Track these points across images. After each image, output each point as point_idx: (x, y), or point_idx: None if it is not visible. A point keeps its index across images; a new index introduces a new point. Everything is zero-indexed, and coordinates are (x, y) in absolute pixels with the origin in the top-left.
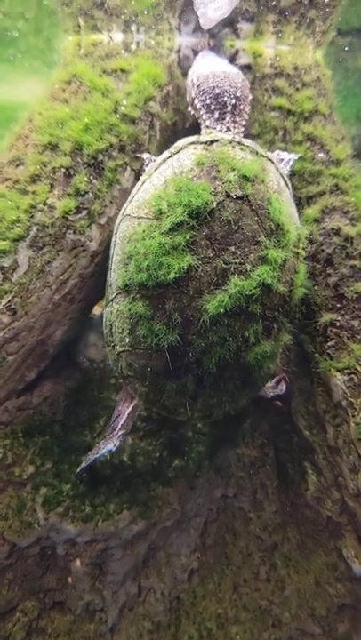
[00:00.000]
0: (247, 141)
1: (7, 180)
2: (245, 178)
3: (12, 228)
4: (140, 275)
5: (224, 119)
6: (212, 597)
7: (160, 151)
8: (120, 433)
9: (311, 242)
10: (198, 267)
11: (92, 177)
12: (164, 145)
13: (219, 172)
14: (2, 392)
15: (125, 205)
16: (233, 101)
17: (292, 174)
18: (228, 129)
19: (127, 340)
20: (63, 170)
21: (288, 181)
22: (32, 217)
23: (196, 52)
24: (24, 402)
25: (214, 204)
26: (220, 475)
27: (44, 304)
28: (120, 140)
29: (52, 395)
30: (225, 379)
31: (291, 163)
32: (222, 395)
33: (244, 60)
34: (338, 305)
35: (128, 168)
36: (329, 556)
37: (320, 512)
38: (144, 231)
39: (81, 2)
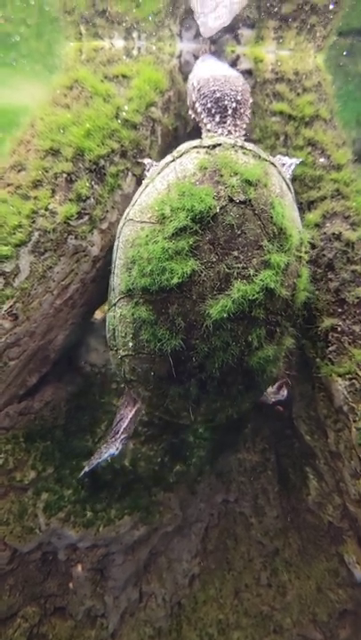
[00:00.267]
0: (250, 145)
1: (9, 185)
2: (248, 182)
3: (14, 234)
4: (143, 279)
5: (225, 123)
6: (214, 603)
7: (161, 156)
8: (123, 437)
9: (312, 247)
10: (201, 271)
11: (93, 182)
12: (166, 150)
13: (222, 176)
14: (3, 397)
15: (128, 209)
16: (234, 105)
17: (294, 179)
18: (230, 132)
19: (130, 344)
20: (65, 175)
21: (290, 185)
22: (34, 222)
23: (197, 58)
24: (25, 407)
25: (217, 208)
26: (221, 480)
27: (45, 309)
28: (121, 146)
29: (53, 399)
30: (228, 383)
31: (292, 167)
32: (225, 399)
33: (245, 65)
34: (339, 310)
35: (129, 173)
36: (330, 561)
37: (321, 517)
38: (147, 236)
39: (82, 10)
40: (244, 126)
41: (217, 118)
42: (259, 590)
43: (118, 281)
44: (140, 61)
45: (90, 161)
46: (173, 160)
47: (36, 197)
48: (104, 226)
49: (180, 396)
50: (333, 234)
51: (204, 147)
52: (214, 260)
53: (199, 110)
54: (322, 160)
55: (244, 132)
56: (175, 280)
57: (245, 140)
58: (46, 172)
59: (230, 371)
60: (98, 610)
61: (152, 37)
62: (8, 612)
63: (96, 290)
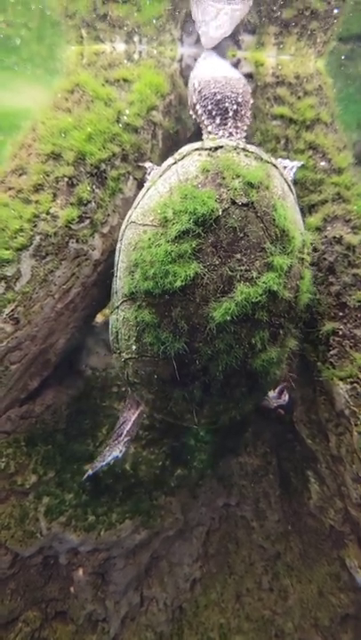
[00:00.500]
0: (252, 147)
1: (10, 189)
2: (250, 185)
3: (16, 238)
4: (146, 282)
5: (226, 125)
6: (215, 607)
7: (162, 160)
8: (126, 439)
9: (314, 250)
10: (204, 274)
11: (94, 186)
12: (167, 154)
13: (224, 178)
14: (5, 401)
15: (130, 212)
16: (235, 107)
17: (295, 183)
18: (231, 134)
19: (133, 347)
20: (66, 179)
21: (292, 186)
22: (35, 226)
23: None
24: (27, 410)
25: (220, 211)
26: (222, 483)
27: (46, 313)
28: (123, 150)
29: (54, 403)
30: (232, 385)
31: (293, 170)
32: (229, 401)
33: (246, 68)
34: (340, 313)
35: (131, 177)
36: (332, 565)
37: (323, 521)
38: (150, 239)
39: (84, 14)
40: (245, 128)
41: (218, 120)
42: (260, 594)
43: (121, 284)
44: (142, 65)
45: (91, 165)
46: (175, 162)
47: (37, 201)
48: (105, 230)
49: (184, 399)
50: (334, 237)
51: (206, 149)
52: (217, 262)
53: (200, 112)
54: (323, 163)
55: (245, 134)
56: (178, 283)
57: (246, 143)
58: (47, 175)
59: (234, 373)
60: (99, 614)
61: (153, 41)
62: (9, 617)
63: (97, 293)
